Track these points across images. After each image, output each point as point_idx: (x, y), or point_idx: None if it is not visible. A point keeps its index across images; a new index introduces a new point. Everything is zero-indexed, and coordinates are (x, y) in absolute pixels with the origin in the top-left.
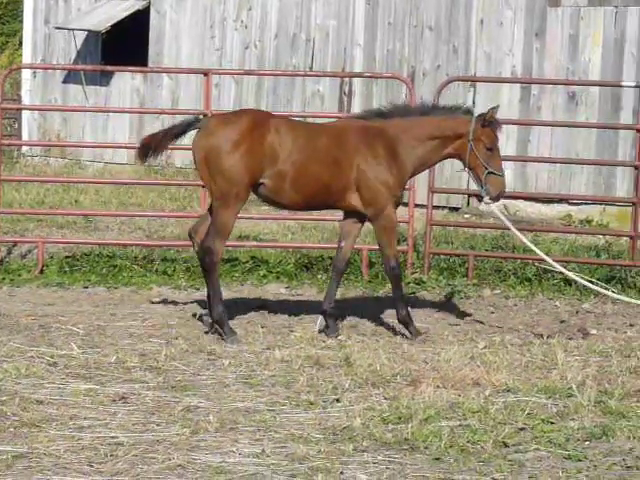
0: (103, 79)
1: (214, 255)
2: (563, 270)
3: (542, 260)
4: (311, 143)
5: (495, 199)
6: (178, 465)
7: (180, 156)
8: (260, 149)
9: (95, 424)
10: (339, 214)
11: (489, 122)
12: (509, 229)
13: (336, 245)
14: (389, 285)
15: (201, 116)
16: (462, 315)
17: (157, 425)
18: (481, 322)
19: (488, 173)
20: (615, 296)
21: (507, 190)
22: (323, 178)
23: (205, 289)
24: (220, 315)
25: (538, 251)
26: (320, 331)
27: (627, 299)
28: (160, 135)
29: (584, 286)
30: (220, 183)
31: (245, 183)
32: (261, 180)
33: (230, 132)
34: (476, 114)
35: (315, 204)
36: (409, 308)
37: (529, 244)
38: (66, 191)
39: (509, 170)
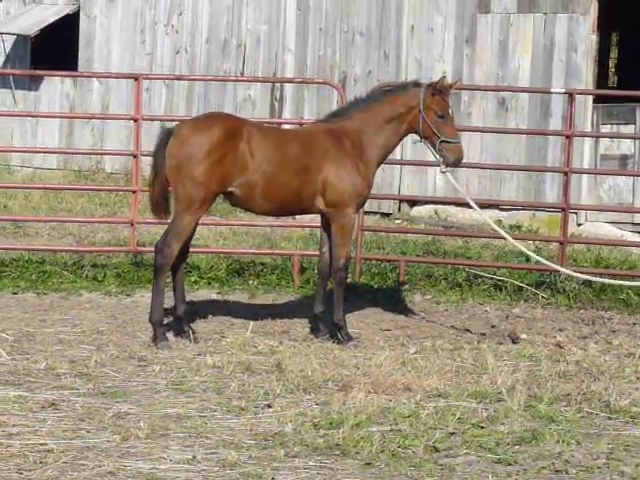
0: (32, 84)
1: (168, 257)
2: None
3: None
4: (281, 152)
5: (452, 166)
6: (108, 472)
7: (110, 161)
8: (231, 158)
9: (24, 431)
10: (270, 220)
11: (439, 90)
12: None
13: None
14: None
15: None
16: (393, 320)
17: (87, 432)
18: (412, 327)
19: (442, 141)
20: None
21: (438, 196)
22: (293, 186)
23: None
24: (158, 318)
25: (495, 227)
26: (311, 333)
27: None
28: (154, 172)
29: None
30: (188, 189)
31: (213, 191)
32: (230, 188)
33: (203, 140)
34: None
35: (286, 211)
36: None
37: (484, 216)
38: None
39: (440, 176)
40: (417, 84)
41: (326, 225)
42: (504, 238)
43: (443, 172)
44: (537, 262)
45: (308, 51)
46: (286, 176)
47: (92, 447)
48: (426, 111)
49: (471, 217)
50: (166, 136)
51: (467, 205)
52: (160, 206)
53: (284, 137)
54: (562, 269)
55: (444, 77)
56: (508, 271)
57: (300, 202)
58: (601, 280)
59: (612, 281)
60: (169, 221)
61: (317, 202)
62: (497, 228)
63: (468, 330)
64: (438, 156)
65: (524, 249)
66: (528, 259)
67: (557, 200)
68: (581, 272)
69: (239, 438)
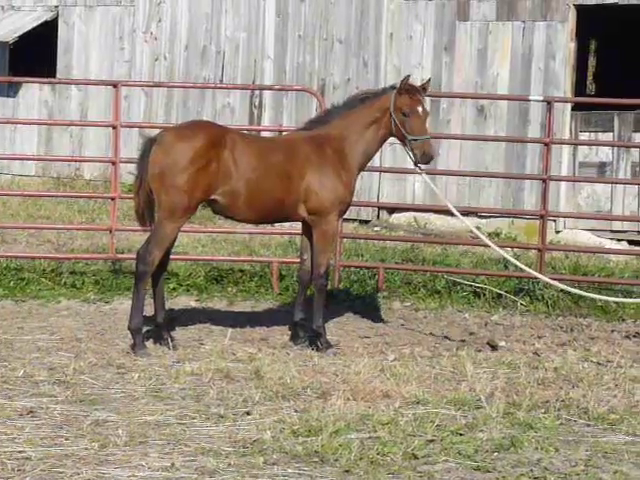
0: (10, 90)
1: (149, 264)
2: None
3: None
4: (264, 160)
5: (422, 162)
6: (87, 479)
7: (89, 168)
8: (214, 167)
9: (2, 438)
10: (249, 227)
11: (405, 89)
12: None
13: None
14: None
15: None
16: (372, 327)
17: (65, 439)
18: (391, 334)
19: (410, 140)
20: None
21: (417, 203)
22: (276, 194)
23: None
24: (137, 325)
25: (476, 231)
26: (291, 340)
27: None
28: (138, 181)
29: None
30: (172, 197)
31: (196, 199)
32: (213, 196)
33: (186, 148)
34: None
35: (269, 219)
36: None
37: (465, 221)
38: None
39: (419, 184)
40: (393, 88)
41: (308, 232)
42: (487, 245)
43: (419, 173)
44: (517, 269)
45: (287, 58)
46: (269, 184)
47: (70, 455)
48: (395, 112)
49: (450, 224)
50: (149, 144)
51: (446, 212)
52: (144, 214)
53: (266, 145)
54: (543, 277)
55: (408, 76)
56: (487, 278)
57: (283, 210)
58: (578, 292)
59: (589, 294)
60: (149, 229)
61: (299, 209)
62: (477, 232)
63: (447, 337)
64: (411, 155)
65: (505, 254)
66: (507, 266)
67: (536, 207)
68: (560, 280)
69: (218, 445)
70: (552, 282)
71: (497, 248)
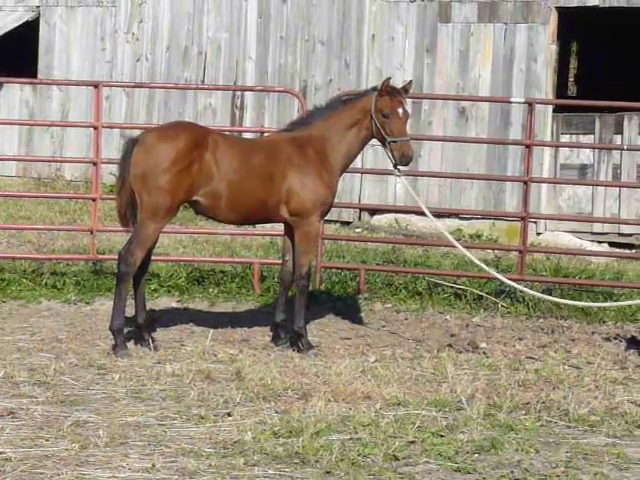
0: None
1: (131, 265)
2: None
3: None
4: (246, 161)
5: (401, 164)
6: None
7: (70, 169)
8: (197, 168)
9: None
10: (230, 228)
11: (386, 91)
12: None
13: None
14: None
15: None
16: (353, 329)
17: (46, 440)
18: (372, 336)
19: (390, 141)
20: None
21: (398, 205)
22: (258, 195)
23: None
24: (118, 326)
25: (448, 235)
26: (271, 341)
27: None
28: (120, 179)
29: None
30: (154, 198)
31: (178, 200)
32: (195, 197)
33: (169, 150)
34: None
35: (251, 220)
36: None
37: (437, 223)
38: None
39: (400, 185)
40: (374, 89)
41: (290, 233)
42: (453, 246)
43: (398, 175)
44: (480, 270)
45: (269, 59)
46: (251, 185)
47: (51, 456)
48: (375, 114)
49: (431, 226)
50: (132, 145)
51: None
52: (127, 215)
53: (249, 146)
54: (503, 278)
55: (389, 78)
56: (468, 280)
57: (265, 211)
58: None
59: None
60: (131, 229)
61: (282, 211)
62: (446, 233)
63: (428, 339)
64: (390, 157)
65: (469, 254)
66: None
67: (517, 209)
68: (541, 282)
69: (198, 446)
70: (511, 283)
71: (463, 249)
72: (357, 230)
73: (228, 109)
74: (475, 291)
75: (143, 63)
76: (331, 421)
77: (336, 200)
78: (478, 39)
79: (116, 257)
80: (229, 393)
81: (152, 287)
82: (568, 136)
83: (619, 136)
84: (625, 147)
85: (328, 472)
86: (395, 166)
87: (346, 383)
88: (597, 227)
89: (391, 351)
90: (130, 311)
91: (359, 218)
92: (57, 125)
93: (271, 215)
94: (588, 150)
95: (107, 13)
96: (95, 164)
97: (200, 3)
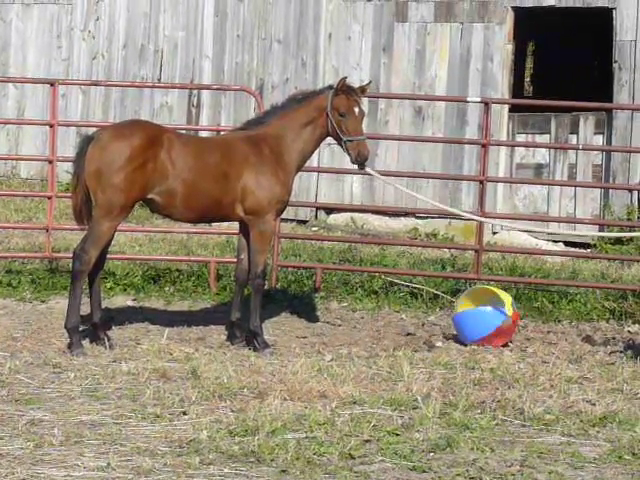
0: None
1: (85, 263)
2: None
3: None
4: (201, 160)
5: (357, 163)
6: (22, 479)
7: (26, 167)
8: (151, 166)
9: None
10: (186, 227)
11: (342, 90)
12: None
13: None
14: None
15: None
16: (309, 328)
17: (0, 439)
18: (328, 335)
19: (346, 140)
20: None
21: (354, 203)
22: (213, 194)
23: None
24: (74, 325)
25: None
26: (227, 340)
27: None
28: (75, 179)
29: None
30: (108, 195)
31: (133, 197)
32: (150, 195)
33: (123, 147)
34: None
35: (206, 218)
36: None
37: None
38: None
39: (357, 184)
40: (330, 88)
41: (245, 232)
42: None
43: (363, 170)
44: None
45: (226, 58)
46: (206, 184)
47: (5, 454)
48: (331, 112)
49: (387, 225)
50: (86, 142)
51: (383, 213)
52: (82, 213)
53: (204, 145)
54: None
55: (345, 78)
56: (424, 279)
57: (220, 209)
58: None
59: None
60: (87, 228)
61: (237, 209)
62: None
63: (384, 338)
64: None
65: (440, 205)
66: (444, 267)
67: (473, 208)
68: (497, 281)
69: (154, 445)
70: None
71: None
72: (313, 229)
73: (184, 107)
74: (431, 290)
75: (99, 61)
76: (287, 420)
77: (292, 199)
78: (434, 39)
79: (71, 255)
80: (185, 392)
81: (108, 285)
82: (524, 136)
83: (575, 136)
84: (581, 147)
85: (284, 471)
86: (352, 163)
87: (302, 382)
88: (552, 226)
89: (347, 350)
90: (86, 309)
91: (315, 217)
92: (13, 123)
93: (227, 214)
94: (544, 150)
95: (63, 10)
96: (51, 162)
97: (157, 1)
